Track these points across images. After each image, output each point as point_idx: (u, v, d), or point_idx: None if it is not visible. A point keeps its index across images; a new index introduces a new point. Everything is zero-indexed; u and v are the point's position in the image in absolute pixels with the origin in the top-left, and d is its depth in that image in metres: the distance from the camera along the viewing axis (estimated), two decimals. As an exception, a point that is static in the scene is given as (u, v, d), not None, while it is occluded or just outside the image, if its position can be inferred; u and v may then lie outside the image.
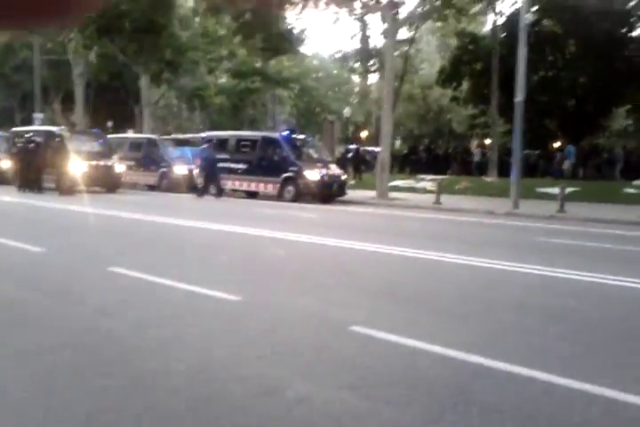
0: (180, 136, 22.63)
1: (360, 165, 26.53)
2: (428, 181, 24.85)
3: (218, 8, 29.59)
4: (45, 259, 7.11)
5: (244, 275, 6.41)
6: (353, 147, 29.41)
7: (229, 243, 9.10)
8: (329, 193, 18.02)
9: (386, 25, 19.41)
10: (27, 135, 19.50)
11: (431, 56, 39.90)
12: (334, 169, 18.59)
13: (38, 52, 31.10)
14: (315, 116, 42.87)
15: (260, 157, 18.84)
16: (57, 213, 13.37)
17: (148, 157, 22.23)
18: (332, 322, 4.52)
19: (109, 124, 40.91)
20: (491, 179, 25.05)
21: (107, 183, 19.60)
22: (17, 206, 14.90)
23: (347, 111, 32.78)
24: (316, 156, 19.19)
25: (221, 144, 20.09)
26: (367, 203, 18.59)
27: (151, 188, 22.24)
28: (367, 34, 31.30)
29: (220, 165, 19.64)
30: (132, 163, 22.57)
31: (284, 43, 30.29)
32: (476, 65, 30.14)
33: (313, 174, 17.71)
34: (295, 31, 30.87)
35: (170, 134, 28.43)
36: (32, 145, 18.69)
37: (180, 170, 21.19)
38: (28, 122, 31.18)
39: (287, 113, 41.81)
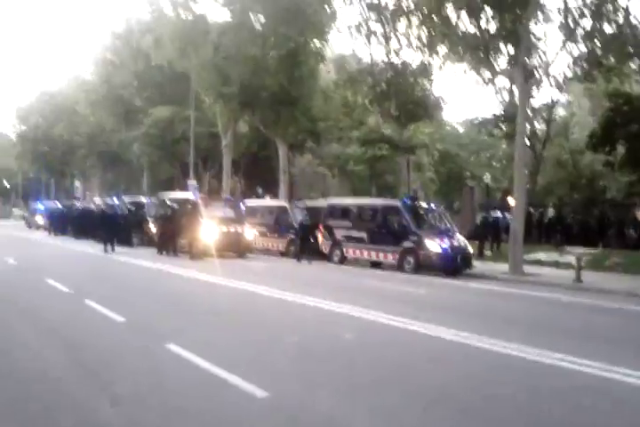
0: (309, 202, 22.88)
1: (499, 234, 24.82)
2: (574, 255, 22.58)
3: (355, 78, 30.59)
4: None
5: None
6: (496, 215, 27.91)
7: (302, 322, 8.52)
8: (452, 266, 16.87)
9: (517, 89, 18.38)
10: (167, 202, 20.92)
11: (583, 119, 37.51)
12: (459, 240, 17.47)
13: (193, 124, 33.84)
14: (457, 183, 41.82)
15: (380, 224, 18.35)
16: (171, 279, 13.68)
17: (278, 222, 22.69)
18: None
19: (259, 190, 43.20)
20: (650, 253, 22.15)
21: (236, 248, 20.15)
22: (139, 270, 15.61)
23: (487, 177, 31.45)
24: (440, 225, 18.28)
25: (344, 211, 19.95)
26: (497, 278, 17.11)
27: (282, 253, 22.45)
28: (507, 97, 30.29)
29: (343, 232, 19.50)
30: (265, 228, 23.23)
31: (419, 109, 30.24)
32: (632, 127, 27.56)
33: (434, 245, 16.76)
34: (432, 97, 30.62)
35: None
36: (170, 211, 19.96)
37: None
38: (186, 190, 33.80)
39: (427, 179, 41.21)
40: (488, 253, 24.16)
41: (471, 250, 17.67)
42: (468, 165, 43.58)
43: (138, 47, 35.39)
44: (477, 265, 19.83)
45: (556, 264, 20.39)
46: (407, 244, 17.22)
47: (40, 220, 37.83)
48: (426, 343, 7.10)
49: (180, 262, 17.23)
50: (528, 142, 27.32)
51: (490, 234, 24.87)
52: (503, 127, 26.89)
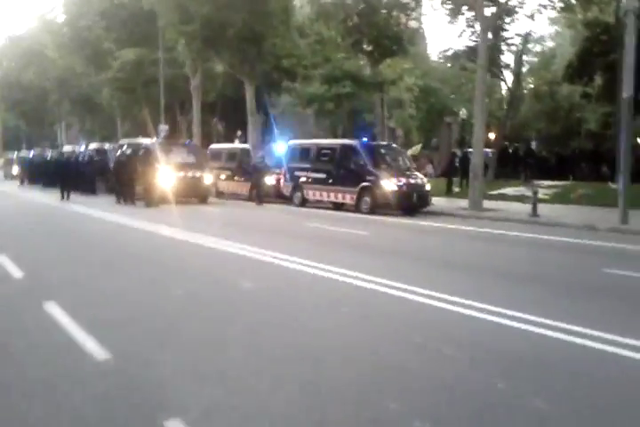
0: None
1: (467, 170, 24.48)
2: (543, 188, 22.37)
3: (328, 13, 29.28)
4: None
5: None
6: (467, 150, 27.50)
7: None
8: (408, 204, 16.65)
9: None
10: (123, 148, 20.43)
11: (566, 51, 36.36)
12: (417, 178, 17.17)
13: (162, 66, 32.70)
14: (438, 119, 41.04)
15: (338, 165, 17.99)
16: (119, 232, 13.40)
17: (241, 166, 22.30)
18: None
19: (239, 133, 42.37)
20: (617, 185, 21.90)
21: (195, 194, 19.87)
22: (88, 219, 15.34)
23: (463, 112, 30.72)
24: (398, 164, 17.92)
25: (304, 153, 19.54)
26: (454, 215, 16.95)
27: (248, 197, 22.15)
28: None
29: (303, 174, 19.19)
30: (230, 172, 22.89)
31: (393, 44, 29.16)
32: (609, 57, 26.72)
33: (390, 184, 16.47)
34: (407, 32, 29.50)
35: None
36: (124, 158, 19.50)
37: (269, 180, 20.97)
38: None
39: (407, 116, 40.43)
40: (457, 189, 23.97)
41: (428, 187, 17.37)
42: (449, 101, 42.60)
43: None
44: (443, 202, 19.75)
45: (520, 199, 20.19)
46: (364, 184, 16.93)
47: (15, 170, 37.34)
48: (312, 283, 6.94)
49: (130, 211, 16.89)
50: (503, 75, 26.61)
51: (460, 170, 24.59)
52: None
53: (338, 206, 18.35)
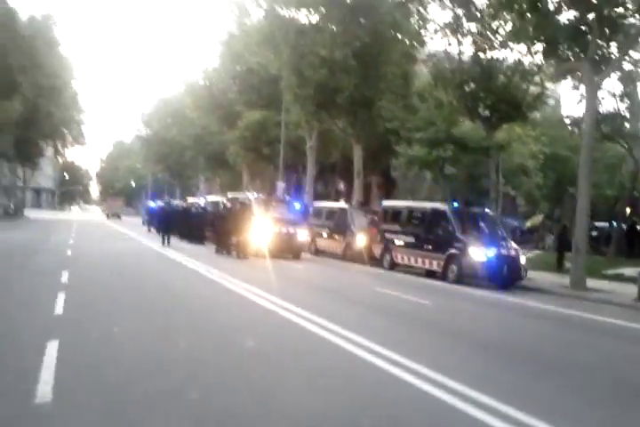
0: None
1: (567, 245, 22.51)
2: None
3: (445, 78, 29.22)
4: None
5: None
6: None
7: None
8: (496, 276, 15.47)
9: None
10: (224, 201, 21.29)
11: None
12: (510, 248, 16.00)
13: (283, 127, 34.25)
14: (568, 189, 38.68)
15: (427, 230, 17.33)
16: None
17: (338, 224, 22.30)
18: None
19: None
20: None
21: (288, 249, 19.99)
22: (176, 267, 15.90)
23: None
24: (492, 232, 16.86)
25: (396, 215, 19.14)
26: (552, 292, 15.47)
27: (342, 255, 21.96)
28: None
29: (393, 236, 18.73)
30: (328, 230, 22.97)
31: (512, 109, 28.30)
32: None
33: (477, 253, 15.47)
34: (528, 97, 28.53)
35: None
36: (224, 210, 20.28)
37: (361, 240, 20.71)
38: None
39: (534, 185, 38.54)
40: (569, 265, 21.99)
41: (523, 260, 16.10)
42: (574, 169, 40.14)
43: (237, 52, 36.70)
44: (549, 278, 18.09)
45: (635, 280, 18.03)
46: (452, 251, 16.08)
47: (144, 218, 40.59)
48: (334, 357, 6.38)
49: (219, 260, 17.37)
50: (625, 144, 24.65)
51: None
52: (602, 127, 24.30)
53: (429, 273, 17.53)
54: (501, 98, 28.21)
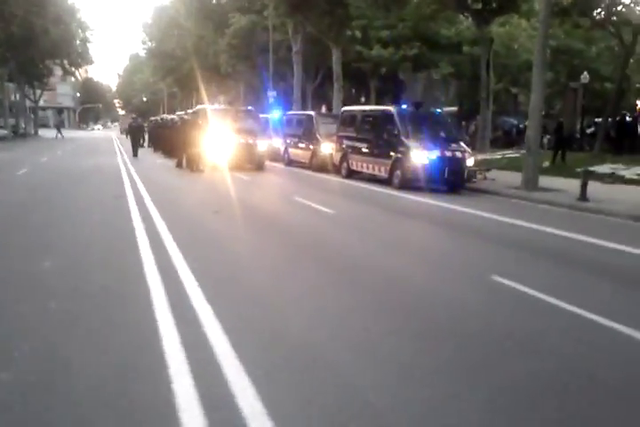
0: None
1: (563, 142, 21.49)
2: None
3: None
4: None
5: None
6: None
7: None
8: (438, 180, 14.89)
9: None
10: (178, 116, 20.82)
11: None
12: (456, 151, 15.25)
13: (271, 33, 32.76)
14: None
15: (376, 135, 16.64)
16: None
17: (305, 133, 21.71)
18: None
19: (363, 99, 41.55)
20: None
21: (248, 161, 19.63)
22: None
23: (585, 76, 26.79)
24: (444, 134, 16.05)
25: (352, 120, 18.39)
26: (499, 194, 14.93)
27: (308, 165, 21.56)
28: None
29: (349, 143, 18.14)
30: (296, 139, 22.46)
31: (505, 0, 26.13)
32: None
33: (420, 156, 14.83)
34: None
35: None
36: (177, 124, 19.88)
37: (325, 148, 20.17)
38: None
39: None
40: (546, 164, 21.11)
41: (470, 162, 15.41)
42: (596, 63, 37.61)
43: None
44: (515, 180, 17.29)
45: (602, 178, 17.19)
46: (397, 155, 15.48)
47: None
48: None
49: (163, 173, 17.35)
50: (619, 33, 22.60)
51: (553, 142, 21.71)
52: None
53: (380, 180, 17.04)
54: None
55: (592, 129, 27.08)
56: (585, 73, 27.65)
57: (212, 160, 18.71)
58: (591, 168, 19.77)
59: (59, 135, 51.30)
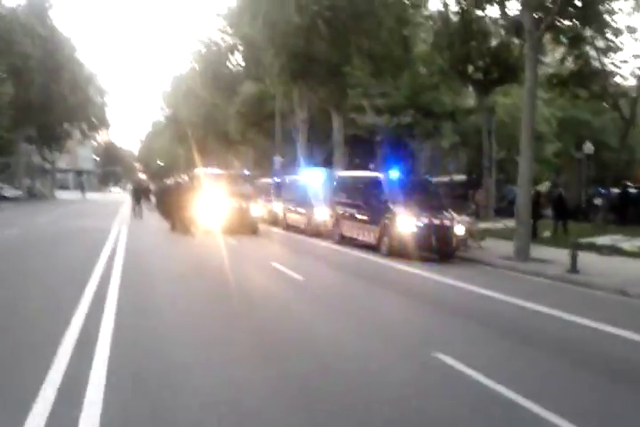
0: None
1: (563, 212, 21.05)
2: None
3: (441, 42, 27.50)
4: None
5: None
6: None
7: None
8: (425, 248, 14.47)
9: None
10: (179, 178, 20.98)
11: None
12: (445, 218, 14.91)
13: (278, 100, 33.52)
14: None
15: (365, 201, 16.44)
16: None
17: (302, 198, 21.62)
18: None
19: (371, 166, 41.75)
20: None
21: (240, 225, 19.31)
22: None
23: (588, 147, 26.71)
24: (431, 202, 15.77)
25: (344, 186, 18.32)
26: (486, 263, 14.45)
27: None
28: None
29: (341, 209, 17.95)
30: (296, 204, 22.35)
31: (505, 71, 26.58)
32: None
33: (407, 223, 14.50)
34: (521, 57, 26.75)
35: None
36: (172, 186, 19.97)
37: (320, 214, 19.94)
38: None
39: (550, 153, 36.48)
40: (546, 233, 20.64)
41: (460, 230, 15.03)
42: (603, 134, 37.72)
43: (234, 23, 36.15)
44: (509, 249, 16.83)
45: (599, 249, 16.62)
46: (385, 221, 15.18)
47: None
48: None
49: (157, 236, 17.17)
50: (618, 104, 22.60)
51: (554, 212, 21.27)
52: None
53: (370, 247, 16.65)
54: (494, 60, 26.62)
55: (599, 200, 26.69)
56: (588, 143, 27.58)
57: (205, 224, 18.55)
58: (592, 239, 19.36)
59: (82, 196, 53.66)
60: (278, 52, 25.72)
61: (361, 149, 38.69)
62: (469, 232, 16.73)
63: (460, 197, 31.83)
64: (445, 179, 39.20)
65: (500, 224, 23.82)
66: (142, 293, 8.66)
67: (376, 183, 16.09)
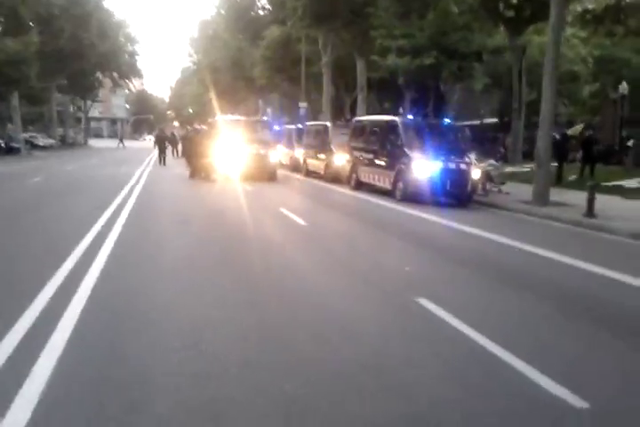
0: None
1: (592, 155, 20.39)
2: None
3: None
4: None
5: None
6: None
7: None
8: (439, 193, 14.26)
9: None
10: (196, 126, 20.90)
11: None
12: (461, 163, 14.58)
13: (303, 45, 32.71)
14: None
15: (381, 145, 16.15)
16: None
17: (320, 144, 21.42)
18: None
19: (400, 110, 40.88)
20: None
21: (259, 172, 19.29)
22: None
23: (623, 87, 25.45)
24: (448, 145, 15.40)
25: (361, 131, 17.98)
26: (507, 208, 14.17)
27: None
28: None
29: (358, 154, 17.71)
30: (312, 150, 22.23)
31: (539, 8, 25.20)
32: None
33: (422, 168, 14.26)
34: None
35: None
36: (192, 134, 19.95)
37: (339, 159, 19.76)
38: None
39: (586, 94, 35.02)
40: (572, 177, 20.06)
41: (476, 175, 14.71)
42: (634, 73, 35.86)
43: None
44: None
45: (623, 192, 16.14)
46: (400, 166, 14.94)
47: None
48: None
49: (175, 182, 17.39)
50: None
51: (582, 155, 20.60)
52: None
53: (386, 192, 16.46)
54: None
55: (631, 141, 25.66)
56: (624, 83, 26.31)
57: (223, 170, 18.61)
58: (619, 182, 18.80)
59: (120, 145, 54.37)
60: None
61: (388, 93, 37.80)
62: (489, 177, 16.40)
63: (490, 141, 31.08)
64: (476, 122, 38.23)
65: (527, 168, 23.30)
66: (144, 230, 9.25)
67: (393, 127, 15.73)
